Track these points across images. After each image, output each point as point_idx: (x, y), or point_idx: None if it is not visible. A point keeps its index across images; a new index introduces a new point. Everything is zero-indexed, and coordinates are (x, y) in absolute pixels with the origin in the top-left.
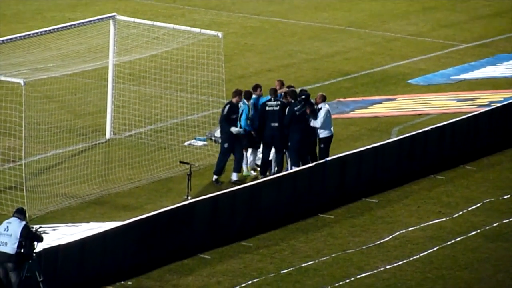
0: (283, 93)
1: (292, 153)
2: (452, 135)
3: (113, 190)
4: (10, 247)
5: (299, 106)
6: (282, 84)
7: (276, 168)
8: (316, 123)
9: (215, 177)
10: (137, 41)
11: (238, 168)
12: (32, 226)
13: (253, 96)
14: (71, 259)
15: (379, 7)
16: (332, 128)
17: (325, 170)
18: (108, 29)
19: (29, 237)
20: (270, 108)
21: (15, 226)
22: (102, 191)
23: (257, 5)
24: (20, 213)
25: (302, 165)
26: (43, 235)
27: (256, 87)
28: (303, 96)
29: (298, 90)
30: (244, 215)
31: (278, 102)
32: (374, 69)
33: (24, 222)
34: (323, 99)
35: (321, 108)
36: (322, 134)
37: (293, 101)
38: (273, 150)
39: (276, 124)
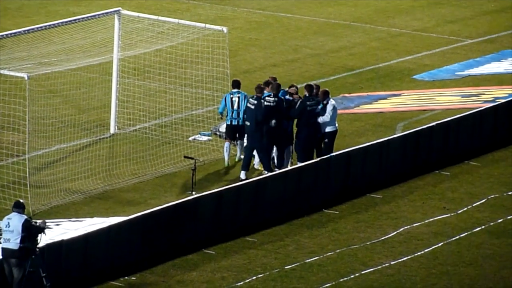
0: (288, 90)
1: (299, 150)
2: (456, 130)
3: (117, 185)
4: (13, 243)
5: (312, 102)
6: (274, 80)
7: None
8: (325, 118)
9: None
10: (141, 35)
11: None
12: (35, 220)
13: (265, 92)
14: (74, 254)
15: (384, 2)
16: (336, 123)
17: (330, 166)
18: (113, 24)
19: (31, 230)
20: (268, 104)
21: (16, 221)
22: (106, 186)
23: (262, 0)
24: (18, 207)
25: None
26: (46, 230)
27: (268, 83)
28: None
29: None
30: (248, 210)
31: (276, 99)
32: (379, 64)
33: (24, 216)
34: (326, 95)
35: (327, 103)
36: (327, 128)
37: (307, 94)
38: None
39: (274, 121)
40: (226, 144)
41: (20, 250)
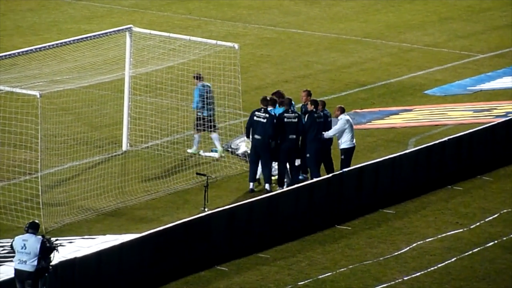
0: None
1: (312, 165)
2: (469, 145)
3: (130, 202)
4: (30, 265)
5: (319, 115)
6: (309, 94)
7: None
8: (329, 132)
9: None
10: (153, 52)
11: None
12: (49, 237)
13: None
14: (87, 272)
15: (396, 18)
16: (354, 140)
17: (342, 181)
18: (124, 41)
19: (48, 251)
20: (288, 120)
21: (32, 242)
22: (118, 203)
23: (273, 16)
24: (34, 228)
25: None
26: (59, 248)
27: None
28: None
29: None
30: (261, 227)
31: (296, 114)
32: (390, 80)
33: (41, 238)
34: (341, 111)
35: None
36: (343, 145)
37: (314, 109)
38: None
39: (294, 136)
40: (197, 136)
41: (37, 271)
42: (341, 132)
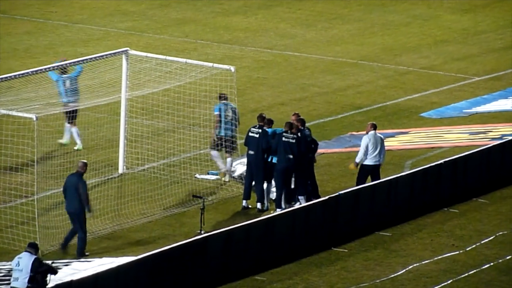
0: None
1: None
2: (464, 168)
3: (126, 225)
4: (21, 282)
5: (288, 135)
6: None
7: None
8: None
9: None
10: (149, 75)
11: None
12: (45, 261)
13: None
14: None
15: (391, 40)
16: (373, 157)
17: (338, 204)
18: (121, 64)
19: (41, 271)
20: (286, 140)
21: (25, 260)
22: (115, 226)
23: (270, 39)
24: (32, 247)
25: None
26: (56, 269)
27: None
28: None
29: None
30: (257, 249)
31: (295, 136)
32: (386, 102)
33: (34, 256)
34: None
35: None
36: (366, 161)
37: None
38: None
39: (291, 157)
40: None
41: None
42: (367, 150)
